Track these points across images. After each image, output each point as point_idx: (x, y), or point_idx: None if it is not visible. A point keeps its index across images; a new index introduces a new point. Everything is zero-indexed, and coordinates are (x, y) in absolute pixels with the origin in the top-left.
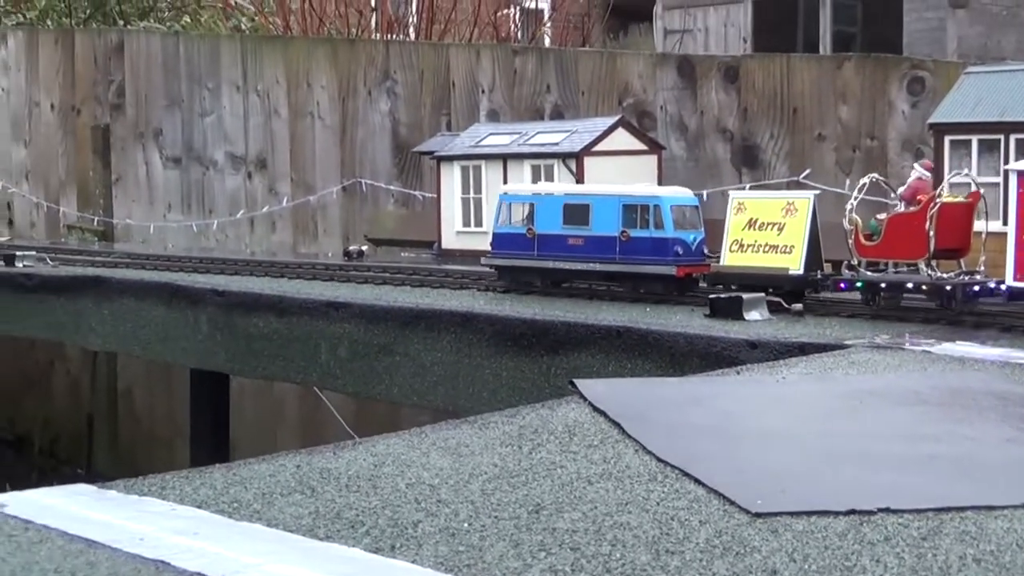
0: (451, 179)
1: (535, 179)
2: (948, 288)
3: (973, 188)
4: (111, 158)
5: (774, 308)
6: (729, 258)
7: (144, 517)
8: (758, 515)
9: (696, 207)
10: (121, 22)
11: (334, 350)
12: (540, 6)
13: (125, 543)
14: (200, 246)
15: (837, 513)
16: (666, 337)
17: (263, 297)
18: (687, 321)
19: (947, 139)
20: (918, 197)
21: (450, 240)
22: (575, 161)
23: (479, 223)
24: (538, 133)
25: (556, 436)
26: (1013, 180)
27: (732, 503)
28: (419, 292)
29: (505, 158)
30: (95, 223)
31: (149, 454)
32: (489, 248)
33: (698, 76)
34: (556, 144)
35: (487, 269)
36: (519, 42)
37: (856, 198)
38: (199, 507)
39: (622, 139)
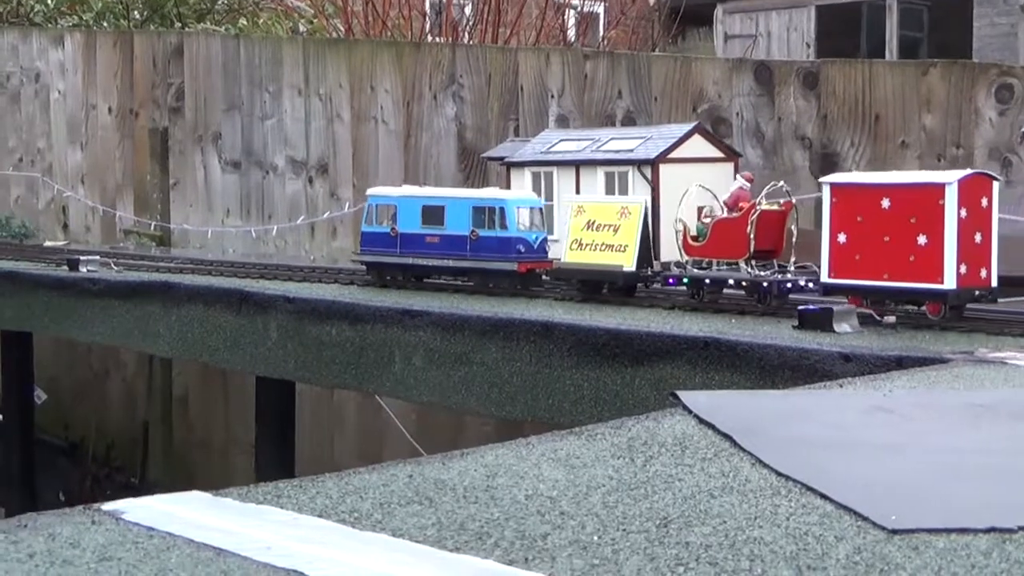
0: (521, 186)
1: (609, 187)
2: (764, 284)
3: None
4: (169, 162)
5: (865, 320)
6: (569, 255)
7: (266, 526)
8: (894, 531)
9: (540, 209)
10: (179, 24)
11: (409, 359)
12: (594, 10)
13: (253, 551)
14: (259, 252)
15: (976, 531)
16: (755, 349)
17: (336, 304)
18: (776, 333)
19: None
20: (739, 204)
21: None
22: (651, 168)
23: (550, 231)
24: (612, 139)
25: (667, 449)
26: (826, 190)
27: (865, 519)
28: (494, 301)
29: (578, 165)
30: (152, 228)
31: (205, 463)
32: (555, 256)
33: (776, 82)
34: (631, 151)
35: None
36: (588, 46)
37: (683, 203)
38: (320, 516)
39: (698, 146)
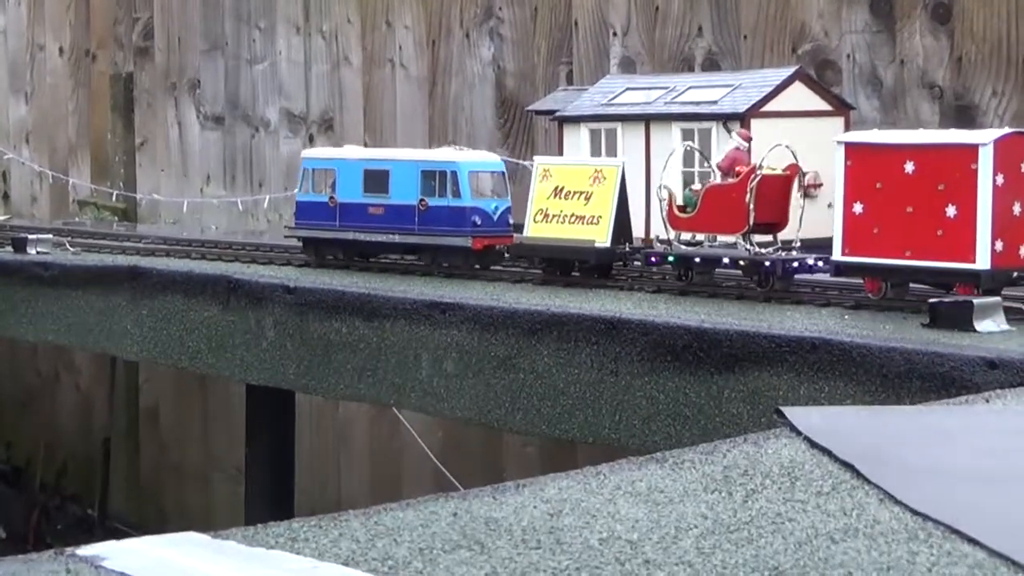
0: (577, 146)
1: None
2: (767, 264)
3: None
4: (134, 116)
5: (1014, 316)
6: (533, 229)
7: (279, 575)
8: None
9: (502, 173)
10: None
11: (439, 364)
12: None
13: None
14: (247, 229)
15: None
16: (876, 352)
17: (346, 296)
18: (901, 332)
19: None
20: (736, 168)
21: None
22: (740, 124)
23: None
24: (690, 88)
25: (773, 480)
26: (840, 152)
27: None
28: (545, 291)
29: (648, 119)
30: (113, 198)
31: (179, 491)
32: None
33: (897, 16)
34: (715, 103)
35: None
36: None
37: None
38: (345, 564)
39: (799, 96)
